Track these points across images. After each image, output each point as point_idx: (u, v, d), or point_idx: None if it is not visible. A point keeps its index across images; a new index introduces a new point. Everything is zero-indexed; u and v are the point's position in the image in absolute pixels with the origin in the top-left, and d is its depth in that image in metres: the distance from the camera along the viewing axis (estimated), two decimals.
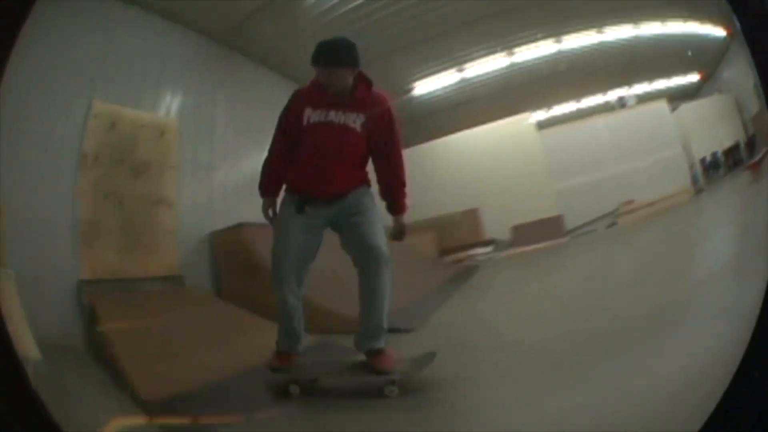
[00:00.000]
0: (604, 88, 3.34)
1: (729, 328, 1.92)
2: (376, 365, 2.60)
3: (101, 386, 2.55)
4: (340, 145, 2.60)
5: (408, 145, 3.79)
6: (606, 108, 3.40)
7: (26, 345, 1.81)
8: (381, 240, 2.67)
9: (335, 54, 2.49)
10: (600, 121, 3.44)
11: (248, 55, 3.86)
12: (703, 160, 3.23)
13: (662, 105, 3.29)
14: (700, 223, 3.25)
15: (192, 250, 3.67)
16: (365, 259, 2.63)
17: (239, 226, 3.59)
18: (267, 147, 3.13)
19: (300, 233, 2.69)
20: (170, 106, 3.68)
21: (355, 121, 2.55)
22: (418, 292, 3.52)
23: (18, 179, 2.98)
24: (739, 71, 2.42)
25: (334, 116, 2.54)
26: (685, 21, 3.22)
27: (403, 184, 2.78)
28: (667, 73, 3.29)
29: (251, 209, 3.58)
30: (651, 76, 3.28)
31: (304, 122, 2.58)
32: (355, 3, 3.45)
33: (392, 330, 2.82)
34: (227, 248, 3.63)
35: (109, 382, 2.66)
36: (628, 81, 3.30)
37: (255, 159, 3.84)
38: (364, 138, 2.60)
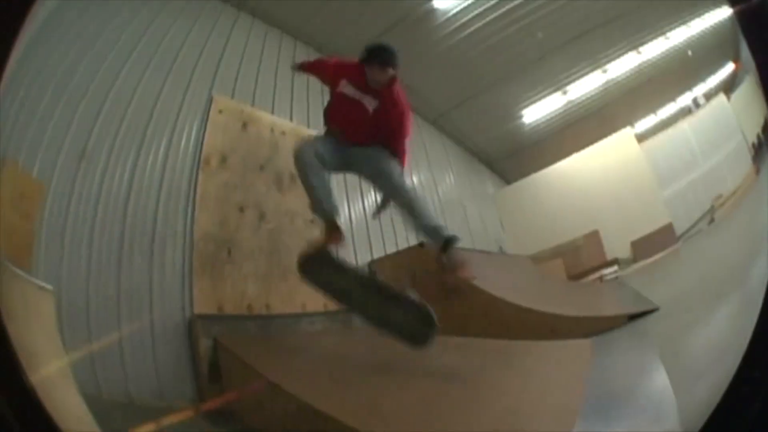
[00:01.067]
0: (679, 91, 3.72)
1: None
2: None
3: None
4: (356, 119, 2.96)
5: (524, 175, 3.93)
6: (685, 112, 3.71)
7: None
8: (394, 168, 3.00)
9: (387, 58, 2.82)
10: (684, 125, 3.76)
11: None
12: (753, 144, 3.38)
13: (722, 98, 3.59)
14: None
15: None
16: (381, 185, 3.03)
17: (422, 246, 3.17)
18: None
19: (326, 142, 2.93)
20: (308, 116, 3.14)
21: (371, 103, 2.92)
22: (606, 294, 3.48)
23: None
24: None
25: (360, 97, 2.92)
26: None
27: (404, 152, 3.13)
28: (712, 62, 3.64)
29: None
30: (702, 75, 3.67)
31: (338, 88, 2.95)
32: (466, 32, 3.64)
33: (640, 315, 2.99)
34: (403, 273, 3.18)
35: None
36: (690, 83, 3.67)
37: None
38: (372, 117, 2.95)
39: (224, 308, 2.51)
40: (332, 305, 2.82)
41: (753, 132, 3.33)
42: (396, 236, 3.34)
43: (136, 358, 2.25)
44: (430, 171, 3.95)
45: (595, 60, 3.77)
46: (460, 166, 4.08)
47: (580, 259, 3.78)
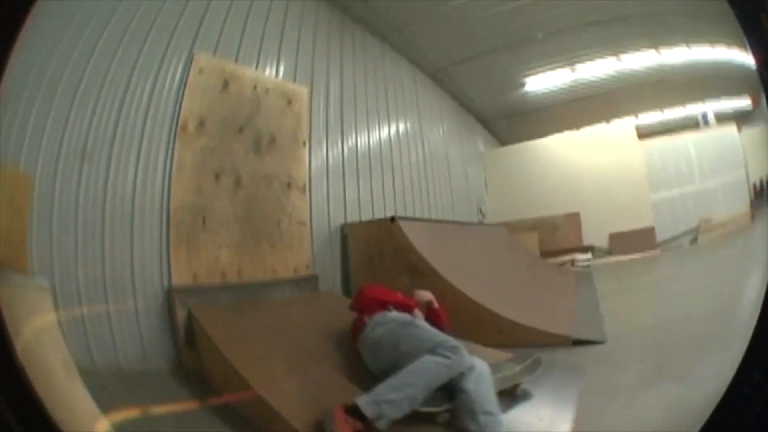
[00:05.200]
0: (690, 99, 3.83)
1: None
2: None
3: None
4: None
5: (518, 140, 3.95)
6: (692, 124, 3.83)
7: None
8: None
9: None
10: (689, 137, 3.85)
11: (373, 32, 3.71)
12: (754, 186, 3.48)
13: (732, 128, 3.70)
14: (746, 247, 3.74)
15: (324, 246, 3.11)
16: None
17: (393, 221, 3.30)
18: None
19: None
20: (295, 71, 3.08)
21: None
22: (567, 300, 3.64)
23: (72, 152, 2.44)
24: None
25: None
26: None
27: None
28: (729, 92, 3.77)
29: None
30: (718, 94, 3.78)
31: None
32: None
33: (585, 342, 3.10)
34: (373, 244, 3.35)
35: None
36: (703, 97, 3.80)
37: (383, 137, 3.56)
38: None
39: (199, 277, 2.80)
40: (302, 271, 3.06)
41: (757, 174, 3.32)
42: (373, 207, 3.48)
43: (123, 328, 2.52)
44: (419, 121, 3.94)
45: (612, 47, 3.78)
46: (453, 120, 4.10)
47: (557, 237, 4.06)
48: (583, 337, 3.13)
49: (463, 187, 4.22)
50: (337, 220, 3.43)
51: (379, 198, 3.70)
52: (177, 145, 2.73)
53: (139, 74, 2.66)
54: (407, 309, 2.83)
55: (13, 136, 2.14)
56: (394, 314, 2.77)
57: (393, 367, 2.41)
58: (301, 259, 3.15)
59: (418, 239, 3.28)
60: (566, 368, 2.93)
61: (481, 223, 4.17)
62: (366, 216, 3.57)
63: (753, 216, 3.42)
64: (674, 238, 3.73)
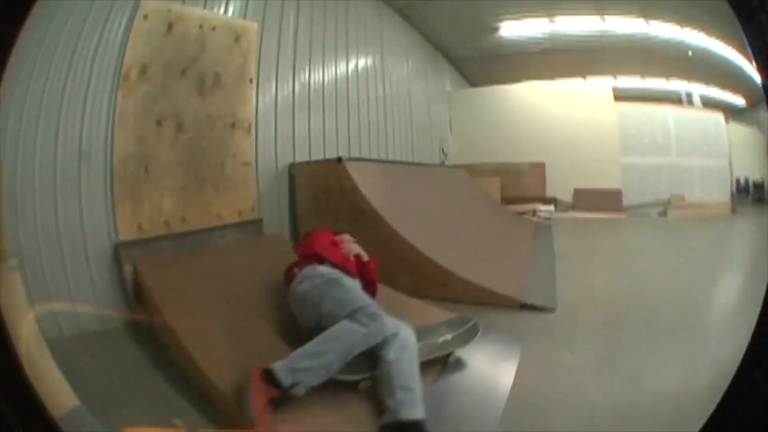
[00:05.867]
0: (673, 76, 3.73)
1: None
2: None
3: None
4: None
5: (489, 83, 3.91)
6: (675, 99, 3.74)
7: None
8: None
9: None
10: (669, 111, 3.77)
11: None
12: (737, 181, 3.60)
13: (720, 117, 3.66)
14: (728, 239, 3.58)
15: (270, 188, 3.17)
16: None
17: (339, 161, 3.27)
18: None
19: None
20: (246, 7, 2.90)
21: None
22: (522, 256, 3.64)
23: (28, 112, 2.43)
24: None
25: None
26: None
27: None
28: (721, 85, 3.69)
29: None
30: (707, 81, 3.68)
31: None
32: None
33: (532, 307, 3.03)
34: (319, 186, 3.33)
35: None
36: (689, 77, 3.71)
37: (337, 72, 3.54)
38: None
39: (144, 229, 2.89)
40: (247, 215, 3.18)
41: (742, 171, 3.54)
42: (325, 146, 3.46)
43: (80, 290, 2.63)
44: (381, 57, 3.77)
45: (598, 5, 3.62)
46: (419, 57, 3.90)
47: (520, 185, 4.05)
48: (531, 301, 3.07)
49: (426, 127, 4.16)
50: (285, 160, 3.41)
51: (332, 137, 3.67)
52: (119, 95, 2.69)
53: (88, 29, 2.56)
54: (344, 271, 2.74)
55: None
56: (323, 269, 2.71)
57: (317, 324, 2.45)
58: (246, 202, 3.22)
59: (367, 182, 3.24)
60: (507, 336, 2.77)
61: (442, 165, 4.12)
62: (317, 156, 3.54)
63: (734, 209, 3.56)
64: (642, 206, 3.74)
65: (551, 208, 3.87)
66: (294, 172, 3.45)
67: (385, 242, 3.09)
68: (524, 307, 3.03)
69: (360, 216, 3.21)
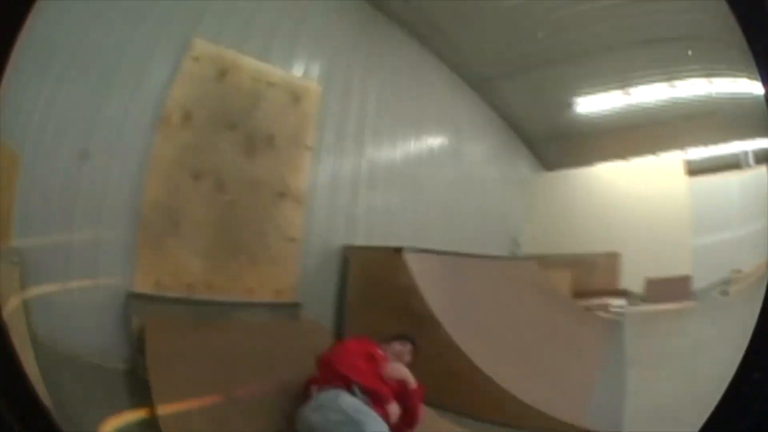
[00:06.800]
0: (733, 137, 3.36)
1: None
2: None
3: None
4: None
5: (564, 166, 3.68)
6: (734, 163, 3.38)
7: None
8: None
9: None
10: (734, 178, 3.39)
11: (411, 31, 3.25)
12: None
13: (763, 170, 3.21)
14: None
15: (317, 270, 2.74)
16: None
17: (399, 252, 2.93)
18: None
19: None
20: (309, 66, 2.73)
21: None
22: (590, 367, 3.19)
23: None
24: None
25: None
26: None
27: None
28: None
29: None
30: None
31: None
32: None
33: None
34: (373, 276, 2.95)
35: None
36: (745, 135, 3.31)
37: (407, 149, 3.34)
38: None
39: (163, 284, 2.58)
40: (285, 296, 2.71)
41: None
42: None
43: (85, 318, 2.38)
44: (456, 136, 3.59)
45: (666, 71, 3.35)
46: (496, 137, 3.62)
47: (593, 277, 3.66)
48: (596, 429, 2.66)
49: (498, 214, 3.74)
50: (338, 241, 3.02)
51: (395, 219, 3.27)
52: (158, 138, 2.50)
53: (130, 57, 2.44)
54: (377, 399, 2.34)
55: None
56: (349, 402, 2.29)
57: None
58: (286, 281, 2.81)
59: (426, 279, 2.89)
60: None
61: (512, 255, 3.69)
62: (375, 240, 3.12)
63: None
64: (709, 288, 3.30)
65: (623, 302, 3.48)
66: (349, 256, 3.05)
67: (439, 352, 2.73)
68: None
69: (415, 318, 2.84)
